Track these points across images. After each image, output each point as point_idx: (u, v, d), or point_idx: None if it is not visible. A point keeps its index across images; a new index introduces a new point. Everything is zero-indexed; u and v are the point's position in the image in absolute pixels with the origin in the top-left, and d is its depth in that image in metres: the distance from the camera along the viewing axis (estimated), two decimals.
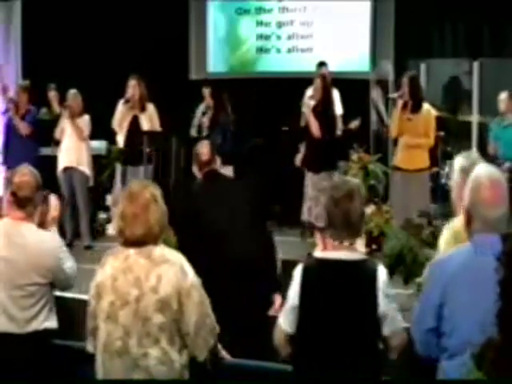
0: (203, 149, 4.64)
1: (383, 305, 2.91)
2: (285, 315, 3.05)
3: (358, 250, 3.02)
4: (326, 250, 3.05)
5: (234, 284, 4.17)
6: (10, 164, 7.46)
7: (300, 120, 8.35)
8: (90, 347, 3.13)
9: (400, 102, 7.15)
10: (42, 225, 3.82)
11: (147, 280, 2.97)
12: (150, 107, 7.86)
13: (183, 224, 4.39)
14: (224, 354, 3.36)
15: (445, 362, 2.78)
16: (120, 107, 7.83)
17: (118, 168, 7.98)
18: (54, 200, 3.95)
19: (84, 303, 5.52)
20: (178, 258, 3.07)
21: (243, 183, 4.72)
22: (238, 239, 4.31)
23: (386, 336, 2.95)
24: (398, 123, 7.13)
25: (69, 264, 3.81)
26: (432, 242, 5.77)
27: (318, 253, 3.08)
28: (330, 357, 2.91)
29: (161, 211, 3.07)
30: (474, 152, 4.21)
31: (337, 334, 2.91)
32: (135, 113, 7.79)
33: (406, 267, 5.50)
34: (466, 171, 3.71)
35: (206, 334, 3.05)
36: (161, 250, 3.05)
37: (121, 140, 7.89)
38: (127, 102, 7.75)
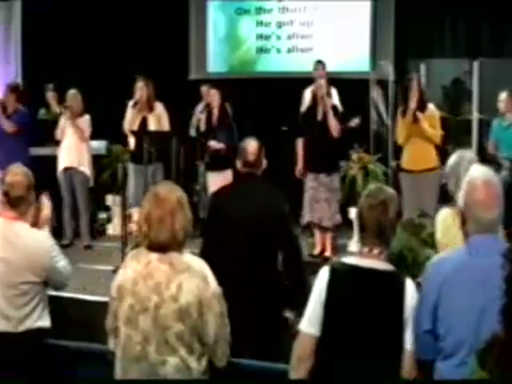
0: (250, 148, 4.41)
1: (409, 318, 2.89)
2: (309, 320, 2.96)
3: (386, 261, 2.99)
4: (359, 257, 2.99)
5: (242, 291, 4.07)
6: (1, 164, 7.43)
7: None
8: (111, 345, 3.11)
9: (414, 105, 7.03)
10: (35, 225, 3.83)
11: (168, 288, 2.94)
12: (159, 107, 7.90)
13: (205, 226, 4.34)
14: None
15: (440, 363, 2.79)
16: (130, 110, 7.86)
17: (130, 168, 8.04)
18: (45, 200, 3.94)
19: (82, 303, 5.55)
20: (200, 267, 3.03)
21: (272, 189, 4.46)
22: (255, 244, 4.20)
23: (405, 350, 2.90)
24: (404, 130, 7.03)
25: (62, 263, 3.82)
26: (432, 243, 5.78)
27: (347, 258, 3.03)
28: (352, 363, 2.88)
29: (186, 217, 3.03)
30: (468, 151, 4.23)
31: (361, 342, 2.88)
32: (144, 114, 7.82)
33: (406, 268, 5.49)
34: (452, 167, 3.81)
35: (224, 345, 3.05)
36: (184, 258, 3.02)
37: (132, 142, 7.96)
38: (136, 104, 7.78)
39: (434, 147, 7.07)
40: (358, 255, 3.00)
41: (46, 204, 3.94)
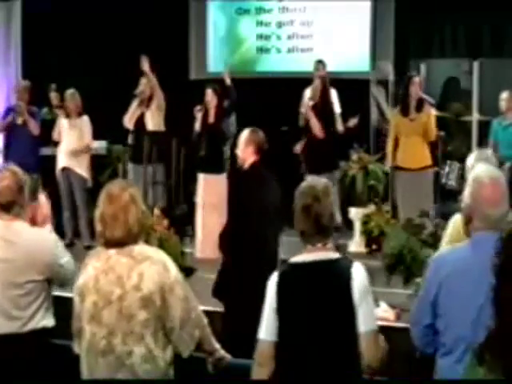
0: (264, 137, 4.95)
1: (358, 302, 2.86)
2: (265, 327, 2.96)
3: (331, 250, 2.97)
4: (304, 254, 2.98)
5: None
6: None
7: (299, 120, 8.34)
8: (76, 348, 3.14)
9: (397, 109, 7.23)
10: (34, 224, 3.82)
11: (129, 278, 2.98)
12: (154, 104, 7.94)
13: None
14: (224, 353, 3.35)
15: (440, 360, 2.81)
16: (133, 104, 7.94)
17: (130, 167, 8.09)
18: (43, 199, 3.94)
19: None
20: (159, 255, 3.08)
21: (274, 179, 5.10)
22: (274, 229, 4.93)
23: (359, 334, 2.86)
24: (396, 127, 7.14)
25: (66, 259, 3.81)
26: (432, 242, 5.78)
27: (293, 258, 3.02)
28: (311, 358, 2.87)
29: (140, 211, 3.07)
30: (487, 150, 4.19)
31: (317, 334, 2.87)
32: (143, 110, 7.87)
33: (405, 267, 5.51)
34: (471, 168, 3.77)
35: (191, 329, 3.06)
36: (141, 248, 3.07)
37: (130, 139, 8.04)
38: (135, 96, 7.85)
39: (428, 146, 7.13)
40: (307, 252, 2.96)
41: (44, 203, 3.93)
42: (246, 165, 4.94)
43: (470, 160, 3.93)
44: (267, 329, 2.95)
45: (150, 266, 2.99)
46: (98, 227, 3.05)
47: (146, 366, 2.97)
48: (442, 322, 2.76)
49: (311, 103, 7.55)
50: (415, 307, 2.93)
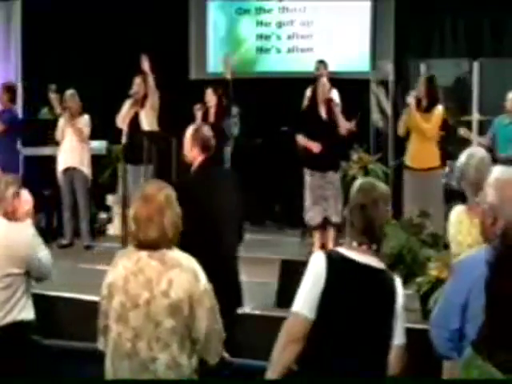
0: (209, 133, 4.54)
1: (399, 315, 2.95)
2: (305, 302, 2.87)
3: (378, 258, 2.99)
4: (350, 250, 2.97)
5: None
6: None
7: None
8: (101, 346, 3.11)
9: (413, 100, 7.13)
10: (15, 219, 3.83)
11: (158, 284, 2.94)
12: (148, 104, 7.91)
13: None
14: (224, 354, 3.35)
15: None
16: (126, 104, 7.91)
17: (121, 167, 8.06)
18: (25, 195, 3.94)
19: (82, 303, 5.55)
20: (190, 263, 3.03)
21: (231, 175, 4.79)
22: (229, 231, 4.41)
23: (394, 345, 2.95)
24: (407, 122, 7.12)
25: (43, 253, 3.82)
26: (432, 243, 5.78)
27: (342, 250, 2.99)
28: (345, 350, 2.88)
29: (175, 214, 3.02)
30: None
31: (355, 335, 2.89)
32: (137, 110, 7.85)
33: (405, 267, 5.50)
34: (461, 164, 3.77)
35: (216, 341, 3.04)
36: (173, 254, 3.02)
37: (124, 139, 7.99)
38: (130, 96, 7.83)
39: (437, 146, 7.13)
40: (352, 249, 2.96)
41: (26, 199, 3.92)
42: (194, 166, 4.57)
43: (461, 159, 3.91)
44: (308, 304, 2.87)
45: (179, 274, 2.95)
46: (132, 228, 3.00)
47: (169, 373, 2.94)
48: (472, 327, 2.62)
49: (338, 104, 7.51)
50: (440, 310, 2.89)
